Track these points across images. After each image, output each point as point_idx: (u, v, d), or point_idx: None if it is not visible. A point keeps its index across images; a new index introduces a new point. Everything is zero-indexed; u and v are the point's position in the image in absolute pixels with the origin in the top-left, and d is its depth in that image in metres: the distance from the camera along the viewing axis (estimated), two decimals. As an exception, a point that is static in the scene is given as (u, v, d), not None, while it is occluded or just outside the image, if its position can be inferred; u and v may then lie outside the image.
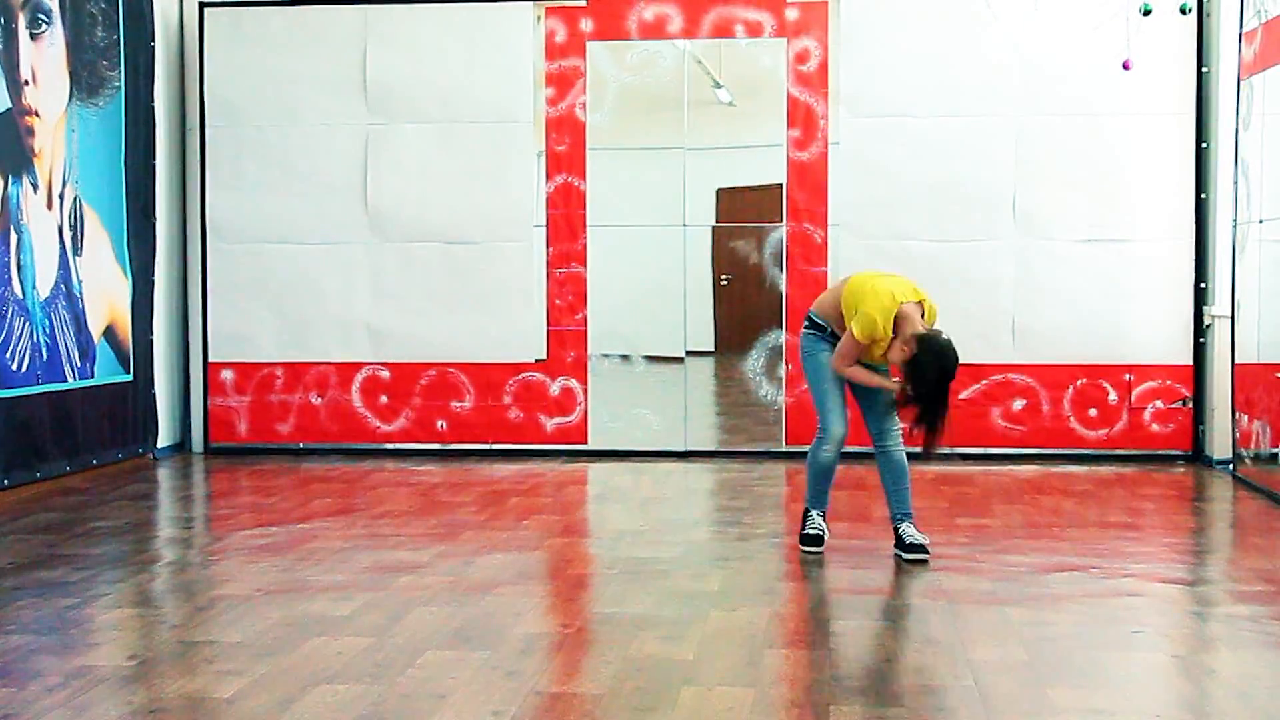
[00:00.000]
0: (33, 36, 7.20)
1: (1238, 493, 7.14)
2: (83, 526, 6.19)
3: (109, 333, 7.99)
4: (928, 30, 8.30)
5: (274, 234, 8.68)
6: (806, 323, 5.55)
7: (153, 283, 8.48)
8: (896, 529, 5.46)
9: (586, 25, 8.51)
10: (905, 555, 5.36)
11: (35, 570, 5.23)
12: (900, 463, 5.43)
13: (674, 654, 4.04)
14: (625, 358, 8.92)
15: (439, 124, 8.58)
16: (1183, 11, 6.79)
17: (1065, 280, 8.24)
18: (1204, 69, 8.12)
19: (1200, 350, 8.19)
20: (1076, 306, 8.24)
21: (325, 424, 8.72)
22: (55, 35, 7.42)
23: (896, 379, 5.30)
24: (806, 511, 5.62)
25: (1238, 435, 7.55)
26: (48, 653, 4.08)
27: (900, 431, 5.40)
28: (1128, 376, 8.25)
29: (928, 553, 5.34)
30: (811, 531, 5.58)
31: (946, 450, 7.84)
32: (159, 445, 8.55)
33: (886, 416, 5.40)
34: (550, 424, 8.61)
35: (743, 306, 8.92)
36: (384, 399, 8.67)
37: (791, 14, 8.38)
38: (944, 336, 5.14)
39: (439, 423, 8.64)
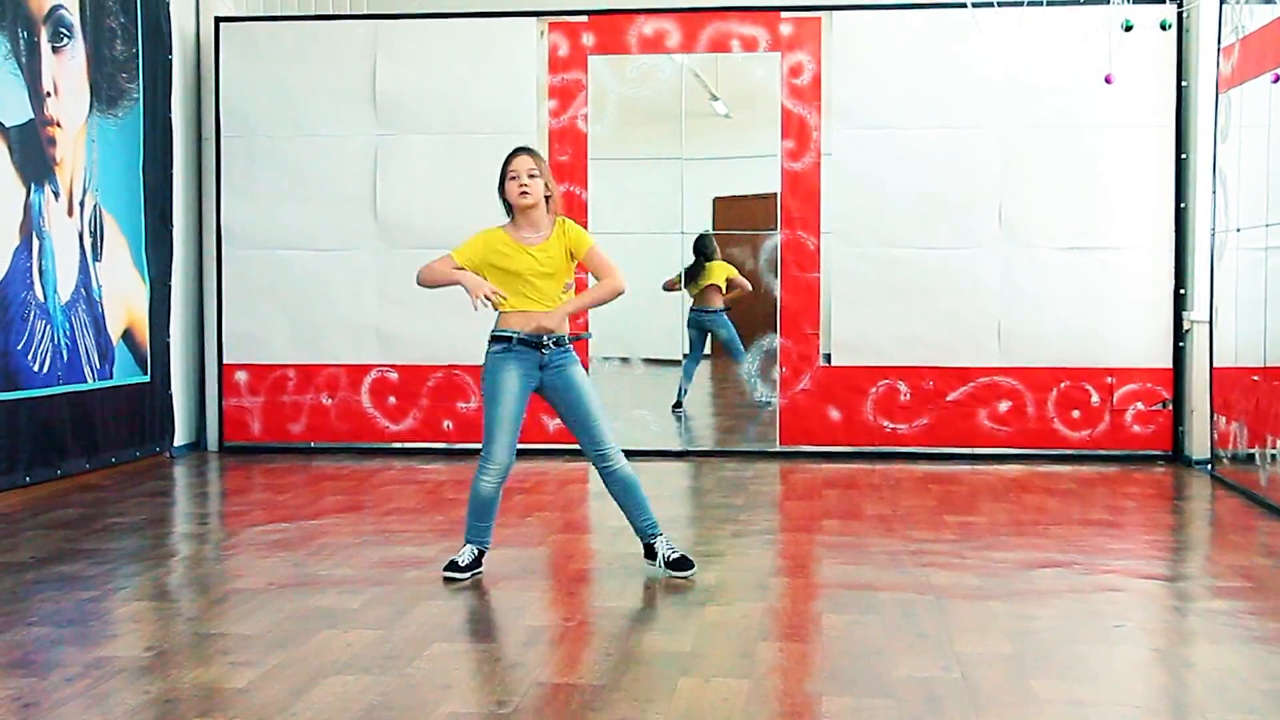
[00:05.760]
0: (54, 50, 7.20)
1: (1216, 492, 7.14)
2: (102, 522, 6.19)
3: (127, 335, 7.98)
4: (917, 45, 8.31)
5: (286, 240, 8.68)
6: (489, 339, 4.99)
7: (169, 287, 8.47)
8: (651, 545, 5.01)
9: (588, 40, 8.51)
10: (673, 573, 4.93)
11: (56, 564, 5.22)
12: (625, 478, 4.96)
13: (672, 646, 4.03)
14: (625, 360, 8.93)
15: (446, 135, 8.58)
16: (1163, 27, 6.81)
17: (1049, 286, 8.24)
18: (1183, 83, 8.13)
19: (1180, 354, 8.19)
20: (1060, 312, 8.24)
21: (336, 424, 8.72)
22: (76, 49, 7.42)
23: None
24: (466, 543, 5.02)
25: (1216, 436, 7.56)
26: (68, 643, 4.08)
27: (616, 447, 4.95)
28: (1109, 379, 8.25)
29: (692, 565, 4.95)
30: (458, 558, 4.98)
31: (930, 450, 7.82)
32: (175, 444, 8.55)
33: (597, 430, 4.93)
34: (552, 424, 8.59)
35: (738, 311, 8.92)
36: (392, 400, 8.67)
37: (785, 29, 8.39)
38: None
39: (445, 423, 8.64)
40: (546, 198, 4.98)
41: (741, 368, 8.88)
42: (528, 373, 4.92)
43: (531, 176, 4.93)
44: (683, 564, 4.95)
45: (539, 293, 4.92)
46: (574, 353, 5.02)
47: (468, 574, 4.94)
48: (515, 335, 4.91)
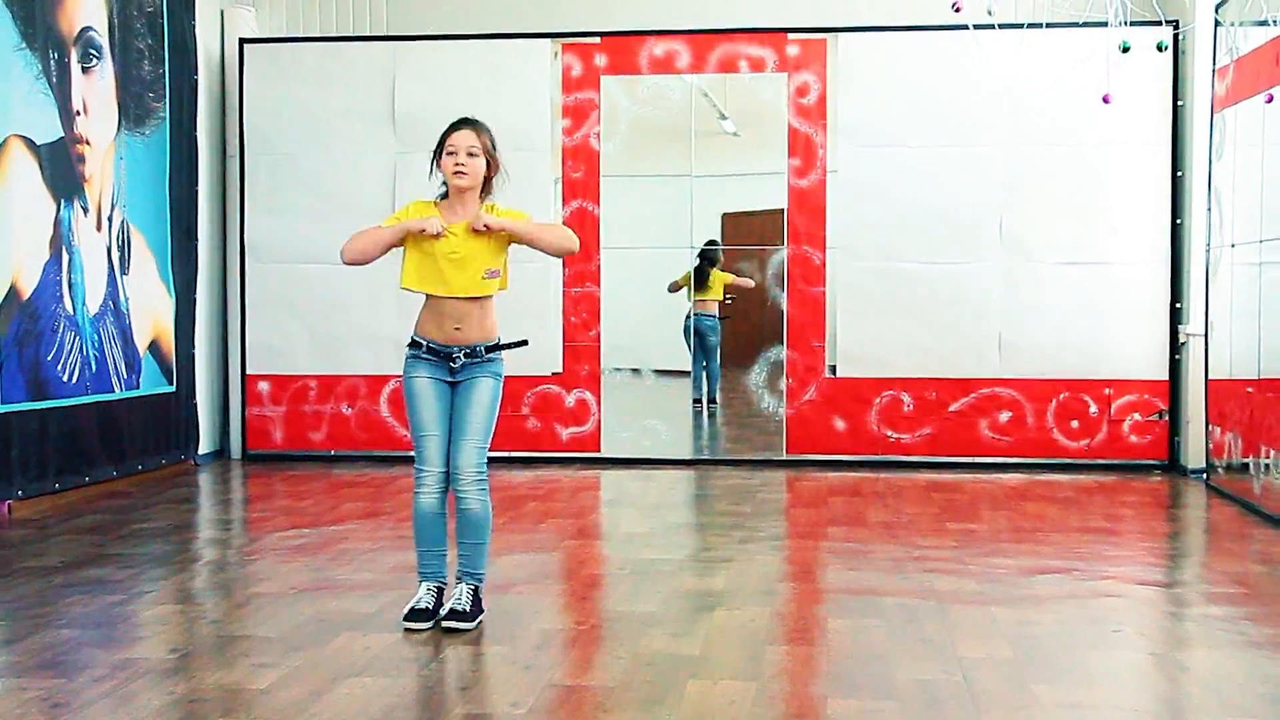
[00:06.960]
0: (84, 70, 7.24)
1: (1211, 500, 7.13)
2: (128, 528, 6.21)
3: (153, 346, 8.02)
4: (920, 65, 8.32)
5: (308, 254, 8.71)
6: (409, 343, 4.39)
7: (194, 300, 8.51)
8: (458, 582, 4.31)
9: (600, 60, 8.54)
10: (446, 623, 4.20)
11: (84, 568, 5.25)
12: (471, 517, 4.27)
13: (681, 650, 4.04)
14: (636, 371, 8.94)
15: (462, 152, 8.60)
16: (1159, 49, 6.81)
17: (1049, 300, 8.24)
18: (1179, 102, 8.13)
19: (1176, 366, 8.18)
20: (1060, 324, 8.24)
21: (355, 433, 8.74)
22: (105, 69, 7.47)
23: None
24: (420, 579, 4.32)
25: (1211, 446, 7.54)
26: (95, 646, 4.10)
27: (474, 477, 4.26)
28: (1107, 390, 8.24)
29: (466, 622, 4.20)
30: (415, 604, 4.27)
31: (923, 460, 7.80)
32: (200, 452, 8.58)
33: (462, 450, 4.27)
34: (565, 433, 8.62)
35: (746, 324, 8.94)
36: (410, 409, 8.68)
37: (792, 50, 8.41)
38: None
39: (461, 432, 8.65)
40: (488, 179, 4.39)
41: (714, 383, 9.01)
42: (440, 375, 4.32)
43: (471, 155, 4.35)
44: (460, 616, 4.20)
45: (446, 284, 4.28)
46: (495, 364, 4.41)
47: (430, 623, 4.21)
48: (425, 343, 4.32)
